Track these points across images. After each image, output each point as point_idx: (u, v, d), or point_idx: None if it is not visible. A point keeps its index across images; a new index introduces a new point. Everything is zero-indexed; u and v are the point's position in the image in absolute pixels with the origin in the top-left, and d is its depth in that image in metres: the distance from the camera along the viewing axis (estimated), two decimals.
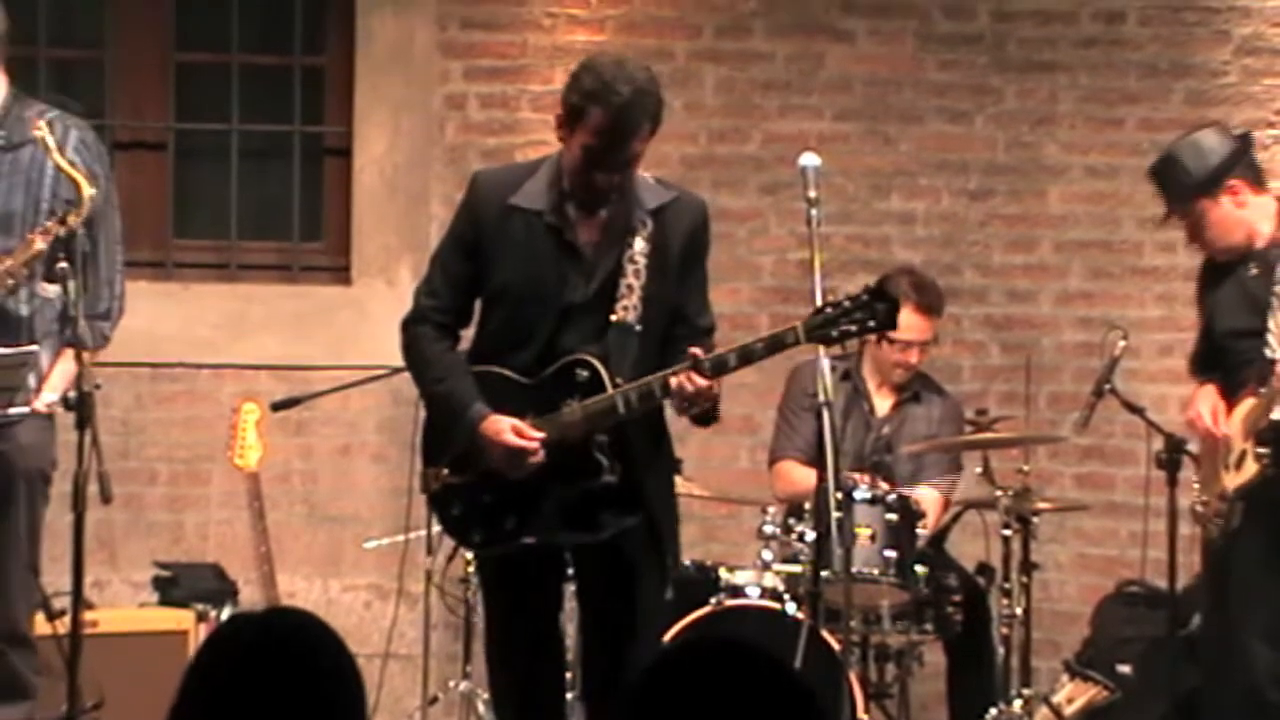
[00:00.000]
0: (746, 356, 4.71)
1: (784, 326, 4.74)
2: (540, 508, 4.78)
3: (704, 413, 4.80)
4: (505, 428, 4.73)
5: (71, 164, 5.51)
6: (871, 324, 4.68)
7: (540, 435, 4.73)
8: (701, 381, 4.65)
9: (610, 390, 4.72)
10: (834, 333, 4.68)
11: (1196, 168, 5.85)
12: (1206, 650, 6.11)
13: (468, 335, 5.02)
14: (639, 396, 4.68)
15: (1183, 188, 5.86)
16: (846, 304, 4.66)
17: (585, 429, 4.74)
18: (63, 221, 5.48)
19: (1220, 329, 5.92)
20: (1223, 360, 5.91)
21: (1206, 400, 5.85)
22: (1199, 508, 5.88)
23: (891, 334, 6.41)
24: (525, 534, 4.79)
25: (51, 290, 5.57)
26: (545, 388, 4.77)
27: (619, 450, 4.78)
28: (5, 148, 5.62)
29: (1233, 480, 5.73)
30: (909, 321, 6.45)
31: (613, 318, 4.77)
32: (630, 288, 4.77)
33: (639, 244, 4.78)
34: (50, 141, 5.49)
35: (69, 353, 5.57)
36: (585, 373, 4.75)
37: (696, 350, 4.67)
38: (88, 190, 5.49)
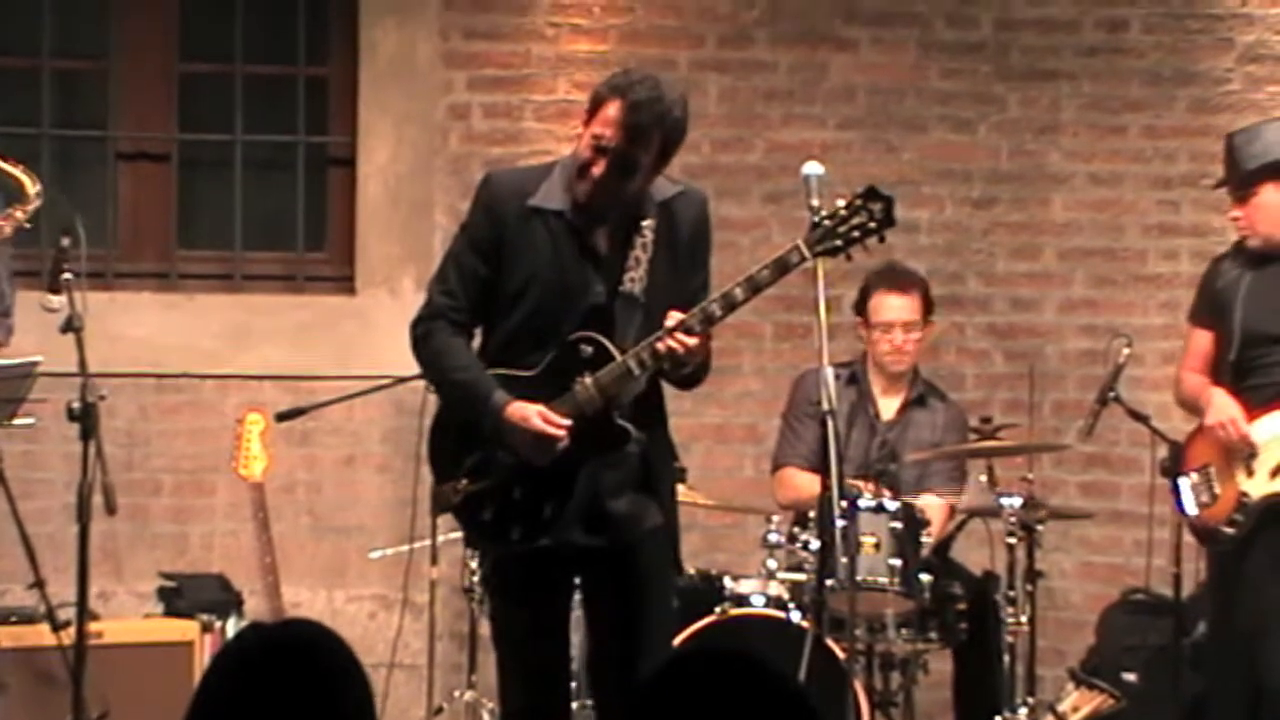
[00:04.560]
0: (752, 288, 4.65)
1: (786, 248, 4.68)
2: (573, 493, 4.75)
3: (695, 371, 4.76)
4: (531, 413, 4.70)
5: (4, 159, 5.50)
6: (873, 225, 4.65)
7: (566, 422, 4.72)
8: (692, 341, 4.62)
9: (619, 358, 4.71)
10: (838, 242, 4.65)
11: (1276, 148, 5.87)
12: (1210, 658, 6.13)
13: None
14: (651, 355, 4.66)
15: (1257, 164, 5.87)
16: (842, 212, 4.64)
17: (603, 400, 4.71)
18: (8, 218, 5.47)
19: (1261, 331, 5.92)
20: (1251, 363, 5.94)
21: (1231, 408, 5.88)
22: (1190, 506, 5.91)
23: (871, 318, 6.52)
24: (563, 523, 4.76)
25: (56, 301, 5.57)
26: (550, 374, 4.74)
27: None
28: None
29: (1258, 487, 5.78)
30: (884, 303, 6.54)
31: (619, 288, 4.76)
32: (637, 260, 4.76)
33: (647, 230, 4.77)
34: None
35: None
36: (589, 348, 4.72)
37: (676, 313, 4.63)
38: (33, 187, 5.48)
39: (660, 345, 4.63)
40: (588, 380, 4.71)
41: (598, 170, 4.69)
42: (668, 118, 4.69)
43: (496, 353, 4.85)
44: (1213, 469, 5.94)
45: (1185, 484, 5.97)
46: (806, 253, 4.65)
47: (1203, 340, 6.14)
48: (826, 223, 4.65)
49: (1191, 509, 5.96)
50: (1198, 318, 6.20)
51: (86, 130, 7.40)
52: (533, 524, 4.78)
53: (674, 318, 4.64)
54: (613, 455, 4.75)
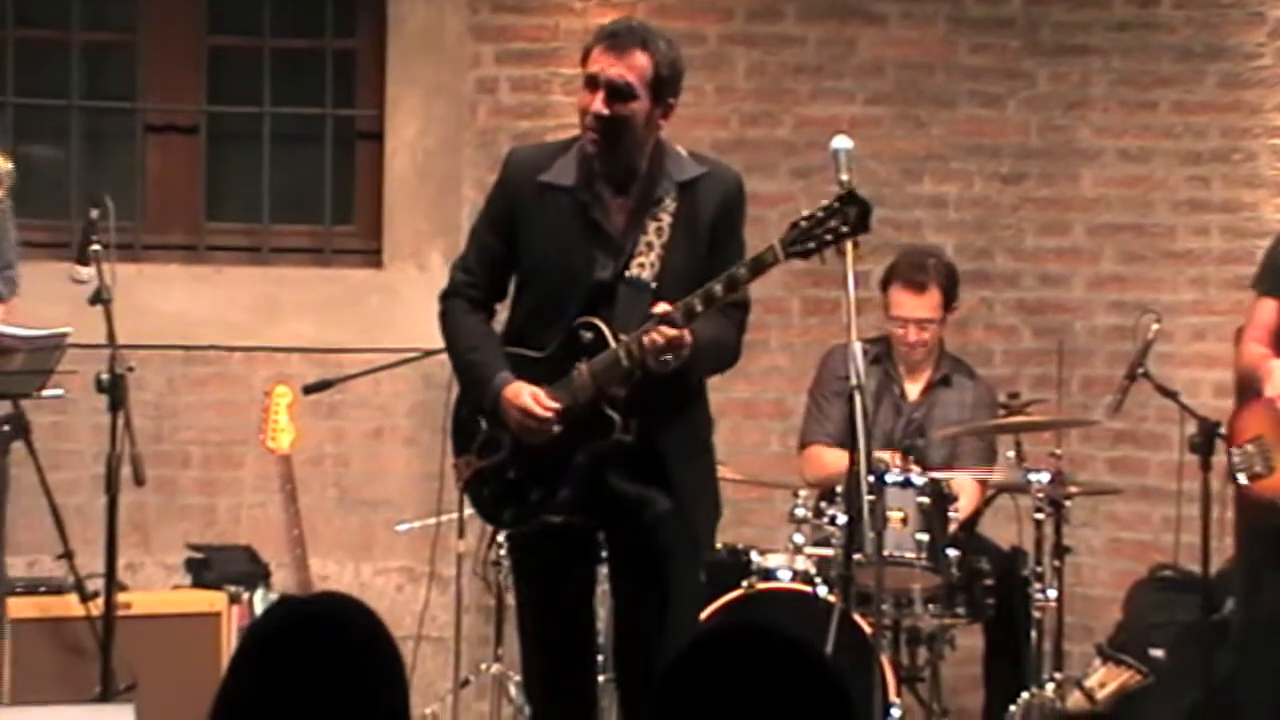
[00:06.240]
0: (731, 284, 4.62)
1: (763, 248, 4.65)
2: (565, 479, 4.77)
3: (692, 363, 4.72)
4: (524, 392, 4.74)
5: None
6: (845, 229, 4.59)
7: (556, 405, 4.73)
8: (671, 332, 4.61)
9: (613, 345, 4.70)
10: (811, 244, 4.60)
11: None
12: (1240, 635, 6.11)
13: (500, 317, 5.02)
14: (638, 346, 4.64)
15: None
16: (819, 214, 4.61)
17: (595, 388, 4.72)
18: None
19: None
20: None
21: None
22: (1241, 476, 5.83)
23: (890, 309, 6.50)
24: (551, 508, 4.79)
25: (85, 273, 5.59)
26: (556, 358, 4.76)
27: (646, 431, 4.77)
28: None
29: None
30: (900, 299, 6.50)
31: (625, 273, 4.76)
32: (650, 245, 4.75)
33: (664, 213, 4.77)
34: None
35: None
36: (589, 334, 4.73)
37: (663, 306, 4.61)
38: (6, 165, 5.50)
39: (645, 338, 4.63)
40: (583, 367, 4.73)
41: (595, 105, 4.70)
42: (651, 42, 4.72)
43: (514, 331, 4.90)
44: (1267, 440, 5.86)
45: (1237, 456, 5.89)
46: (780, 253, 4.62)
47: (1266, 310, 6.00)
48: (803, 224, 4.63)
49: (1243, 480, 5.89)
50: (1262, 286, 6.06)
51: (115, 102, 7.41)
52: (522, 505, 4.83)
53: (660, 309, 4.63)
54: (602, 443, 4.75)
